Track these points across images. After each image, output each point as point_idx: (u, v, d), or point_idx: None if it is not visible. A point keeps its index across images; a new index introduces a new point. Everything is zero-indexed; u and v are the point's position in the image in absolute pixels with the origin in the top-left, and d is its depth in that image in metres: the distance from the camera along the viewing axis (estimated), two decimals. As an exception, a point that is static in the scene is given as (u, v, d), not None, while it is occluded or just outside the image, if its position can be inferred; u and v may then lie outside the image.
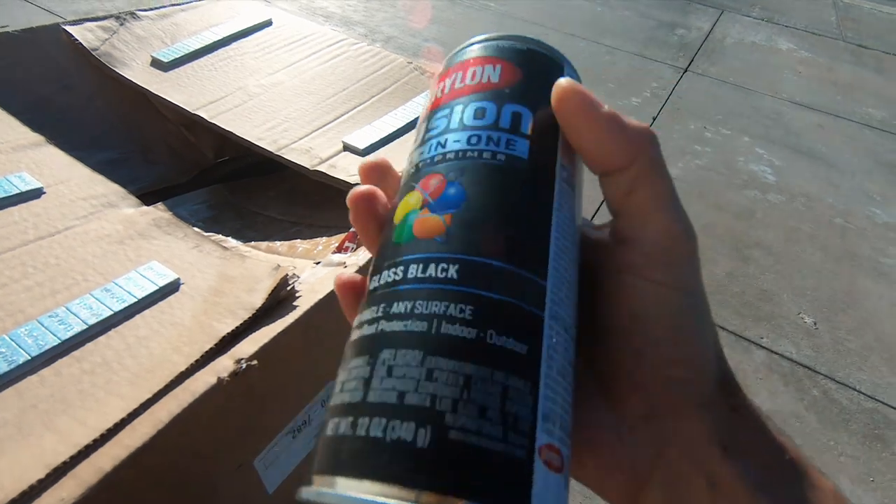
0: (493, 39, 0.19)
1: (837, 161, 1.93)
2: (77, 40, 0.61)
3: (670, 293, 0.16)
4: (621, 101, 2.08)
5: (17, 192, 0.41)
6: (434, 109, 0.18)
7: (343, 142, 0.54)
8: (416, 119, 0.59)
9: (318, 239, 0.47)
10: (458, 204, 0.15)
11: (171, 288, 0.36)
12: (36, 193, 0.42)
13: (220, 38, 0.68)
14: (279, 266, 0.37)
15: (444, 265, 0.14)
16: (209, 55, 0.66)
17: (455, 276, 0.14)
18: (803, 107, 2.29)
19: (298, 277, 0.36)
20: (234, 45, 0.69)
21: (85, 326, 0.31)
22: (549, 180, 0.16)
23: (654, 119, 2.00)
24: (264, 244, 0.47)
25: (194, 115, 0.56)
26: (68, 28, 0.62)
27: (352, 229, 0.43)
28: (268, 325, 0.33)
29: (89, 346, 0.31)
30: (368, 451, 0.12)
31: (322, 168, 0.51)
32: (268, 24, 0.74)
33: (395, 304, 0.14)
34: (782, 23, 3.17)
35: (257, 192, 0.59)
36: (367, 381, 0.13)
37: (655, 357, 0.16)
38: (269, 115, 0.57)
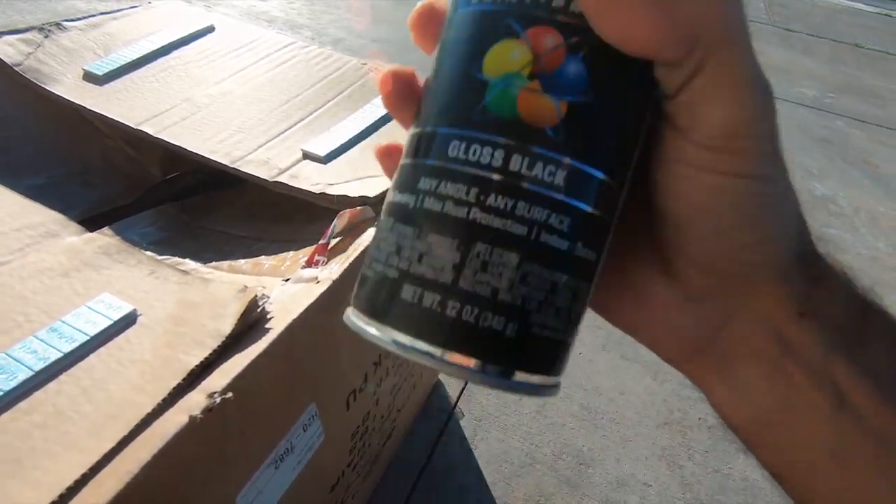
0: None
1: (777, 139, 2.04)
2: (-4, 56, 0.56)
3: (734, 182, 0.14)
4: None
5: (-62, 228, 0.37)
6: None
7: (302, 150, 0.52)
8: (377, 122, 0.57)
9: (285, 254, 0.44)
10: (578, 91, 0.13)
11: (128, 321, 0.33)
12: (-40, 228, 0.38)
13: (158, 46, 0.64)
14: (246, 287, 0.34)
15: (553, 168, 0.13)
16: (148, 65, 0.62)
17: (562, 183, 0.13)
18: (742, 89, 2.40)
19: (268, 297, 0.34)
20: (175, 53, 0.65)
21: (31, 373, 0.28)
22: (649, 69, 0.14)
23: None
24: (226, 264, 0.44)
25: (137, 130, 0.52)
26: (-15, 43, 0.57)
27: (321, 241, 0.41)
28: (240, 352, 0.31)
29: (38, 395, 0.28)
30: (458, 330, 0.14)
31: (282, 179, 0.48)
32: (210, 30, 0.70)
33: (493, 197, 0.13)
34: (716, 10, 3.31)
35: (213, 209, 0.56)
36: (459, 268, 0.13)
37: (722, 244, 0.15)
38: (220, 126, 0.54)
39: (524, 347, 0.14)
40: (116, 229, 0.47)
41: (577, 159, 0.13)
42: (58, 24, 0.63)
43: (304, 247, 0.45)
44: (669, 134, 0.14)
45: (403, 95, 0.17)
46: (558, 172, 0.13)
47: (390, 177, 0.17)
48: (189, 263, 0.44)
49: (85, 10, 2.12)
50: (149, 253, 0.39)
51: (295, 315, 0.33)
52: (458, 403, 0.96)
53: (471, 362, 0.14)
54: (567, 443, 0.92)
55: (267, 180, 0.48)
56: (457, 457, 0.88)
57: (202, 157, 0.50)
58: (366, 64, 0.68)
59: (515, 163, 0.13)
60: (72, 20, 0.65)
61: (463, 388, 0.99)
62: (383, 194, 0.45)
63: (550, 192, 0.13)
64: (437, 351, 0.14)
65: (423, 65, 0.18)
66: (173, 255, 0.46)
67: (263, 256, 0.44)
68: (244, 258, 0.46)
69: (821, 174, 1.84)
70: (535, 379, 0.14)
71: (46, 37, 0.61)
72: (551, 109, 0.13)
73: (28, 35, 0.60)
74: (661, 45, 0.12)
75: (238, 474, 0.32)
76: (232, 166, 0.49)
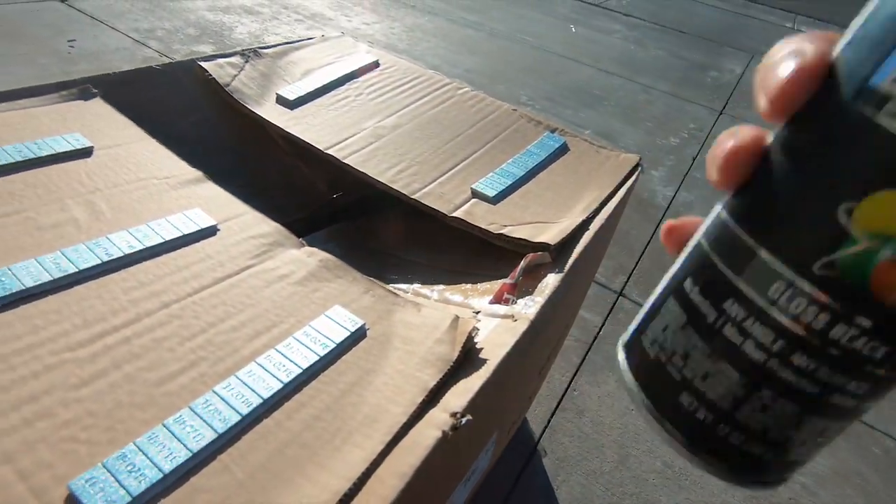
0: None
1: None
2: (212, 76, 0.65)
3: None
4: (661, 141, 2.11)
5: (197, 229, 0.43)
6: None
7: (472, 188, 0.57)
8: (536, 167, 0.61)
9: (462, 286, 0.48)
10: None
11: (360, 334, 0.37)
12: (212, 231, 0.44)
13: (334, 77, 0.72)
14: (457, 317, 0.39)
15: (875, 346, 0.13)
16: (327, 94, 0.69)
17: (879, 358, 0.13)
18: (837, 154, 2.31)
19: (478, 330, 0.38)
20: (347, 85, 0.72)
21: (300, 370, 0.33)
22: None
23: (694, 159, 2.03)
24: (411, 289, 0.49)
25: (327, 154, 0.59)
26: (204, 64, 0.65)
27: (508, 280, 0.44)
28: (464, 377, 0.35)
29: (308, 390, 0.33)
30: (722, 448, 0.15)
31: (459, 214, 0.53)
32: (375, 65, 0.77)
33: (798, 355, 0.13)
34: (812, 70, 3.22)
35: (378, 231, 0.62)
36: (739, 402, 0.15)
37: None
38: (396, 157, 0.60)
39: (774, 469, 0.16)
40: (308, 242, 0.53)
41: None
42: (255, 51, 0.72)
43: (480, 280, 0.49)
44: None
45: (743, 162, 0.14)
46: (880, 351, 0.12)
47: (674, 251, 0.17)
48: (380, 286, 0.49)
49: (212, 21, 2.33)
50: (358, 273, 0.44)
51: (507, 349, 0.36)
52: (541, 441, 0.97)
53: (722, 471, 0.16)
54: (649, 499, 0.90)
55: (446, 214, 0.53)
56: (538, 495, 0.89)
57: (384, 185, 0.56)
58: (516, 110, 0.73)
59: (838, 331, 0.12)
60: (264, 47, 0.74)
61: (546, 426, 1.00)
62: (560, 243, 0.49)
63: (862, 365, 0.13)
64: (695, 454, 0.16)
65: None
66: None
67: (443, 286, 0.49)
68: (421, 283, 0.50)
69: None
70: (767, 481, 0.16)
71: (247, 61, 0.70)
72: None
73: (233, 59, 0.69)
74: None
75: (446, 489, 0.35)
76: (412, 197, 0.54)
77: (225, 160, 0.66)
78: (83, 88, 0.56)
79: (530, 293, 0.44)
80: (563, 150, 0.66)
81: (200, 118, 0.65)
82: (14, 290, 0.33)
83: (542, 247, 0.48)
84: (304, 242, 0.46)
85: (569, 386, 1.09)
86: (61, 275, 0.36)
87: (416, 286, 0.49)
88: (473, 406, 0.33)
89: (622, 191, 0.59)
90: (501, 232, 0.50)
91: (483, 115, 0.70)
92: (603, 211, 0.54)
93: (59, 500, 0.25)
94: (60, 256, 0.37)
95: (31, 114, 0.51)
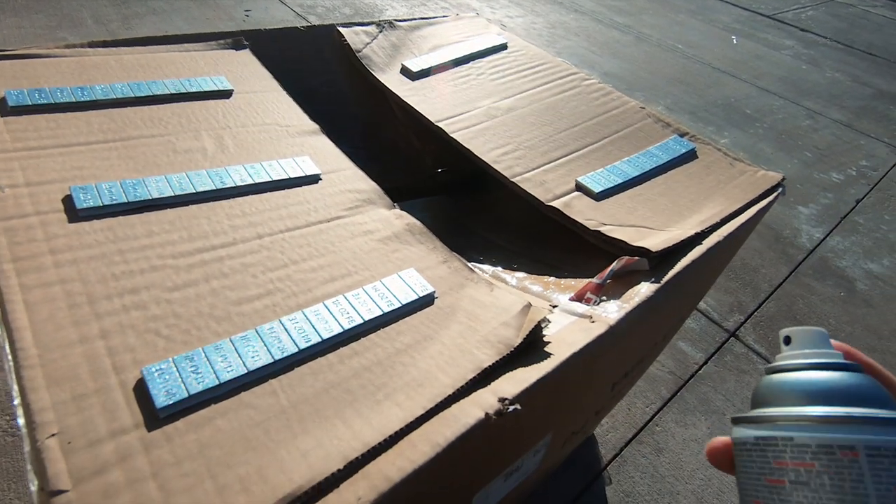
0: None
1: None
2: (346, 41, 0.68)
3: None
4: (819, 175, 1.83)
5: (302, 175, 0.46)
6: None
7: (576, 181, 0.53)
8: (653, 170, 0.56)
9: (546, 278, 0.46)
10: None
11: (427, 300, 0.37)
12: (314, 179, 0.46)
13: (460, 55, 0.72)
14: (530, 304, 0.36)
15: None
16: (450, 71, 0.69)
17: None
18: None
19: (549, 322, 0.36)
20: (471, 64, 0.72)
21: (361, 321, 0.33)
22: None
23: (859, 202, 1.73)
24: (490, 269, 0.47)
25: (437, 126, 0.59)
26: (342, 30, 0.69)
27: (594, 280, 0.41)
28: (523, 366, 0.32)
29: (364, 341, 0.33)
30: None
31: (556, 204, 0.50)
32: (503, 47, 0.76)
33: None
34: None
35: (473, 211, 0.61)
36: None
37: None
38: (504, 139, 0.58)
39: None
40: (404, 208, 0.54)
41: None
42: (390, 23, 0.74)
43: (566, 277, 0.46)
44: None
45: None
46: None
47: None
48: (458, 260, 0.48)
49: (367, 2, 2.49)
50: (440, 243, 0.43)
51: (576, 349, 0.33)
52: (608, 468, 0.90)
53: None
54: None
55: (542, 202, 0.50)
56: (593, 522, 0.83)
57: (486, 163, 0.54)
58: (644, 108, 0.67)
59: None
60: (401, 21, 0.76)
61: (616, 455, 0.92)
62: (662, 252, 0.44)
63: None
64: None
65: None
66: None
67: (525, 273, 0.47)
68: (503, 268, 0.49)
69: None
70: None
71: (381, 31, 0.72)
72: None
73: (369, 28, 0.72)
74: None
75: (483, 477, 0.33)
76: (512, 180, 0.53)
77: (345, 121, 0.70)
78: (237, 40, 0.62)
79: (617, 298, 0.40)
80: (689, 156, 0.59)
81: (331, 79, 0.69)
82: (142, 199, 0.38)
83: (641, 252, 0.43)
84: (395, 205, 0.47)
85: (651, 419, 1.00)
86: (181, 192, 0.40)
87: (498, 269, 0.48)
88: (526, 397, 0.30)
89: (751, 211, 0.51)
90: (598, 229, 0.46)
91: (606, 109, 0.66)
92: (723, 228, 0.48)
93: (132, 381, 0.27)
94: (184, 178, 0.41)
95: (191, 56, 0.58)
